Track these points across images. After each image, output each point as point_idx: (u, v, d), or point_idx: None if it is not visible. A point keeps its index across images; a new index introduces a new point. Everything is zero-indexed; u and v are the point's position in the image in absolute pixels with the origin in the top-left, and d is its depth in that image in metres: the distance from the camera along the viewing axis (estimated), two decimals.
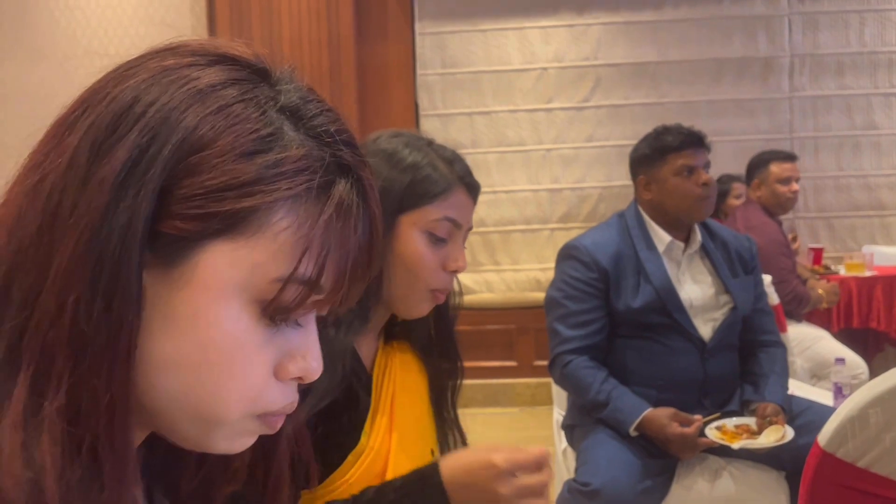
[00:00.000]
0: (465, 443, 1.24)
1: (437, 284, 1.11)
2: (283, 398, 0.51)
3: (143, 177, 0.45)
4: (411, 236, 1.09)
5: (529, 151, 4.64)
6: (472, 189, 1.14)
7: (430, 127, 4.50)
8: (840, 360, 2.53)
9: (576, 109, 4.64)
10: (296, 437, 0.62)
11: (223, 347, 0.47)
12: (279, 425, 0.53)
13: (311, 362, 0.51)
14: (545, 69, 4.61)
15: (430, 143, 1.15)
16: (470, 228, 1.15)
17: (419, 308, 1.13)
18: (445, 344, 1.22)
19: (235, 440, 0.52)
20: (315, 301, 0.50)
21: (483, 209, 4.58)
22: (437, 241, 1.09)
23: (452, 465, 1.02)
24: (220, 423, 0.49)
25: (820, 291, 3.48)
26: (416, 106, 4.59)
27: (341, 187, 0.50)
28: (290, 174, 0.47)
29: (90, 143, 0.46)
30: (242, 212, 0.46)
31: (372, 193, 0.52)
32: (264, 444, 0.59)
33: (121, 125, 0.46)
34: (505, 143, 4.60)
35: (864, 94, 4.67)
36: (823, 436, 1.12)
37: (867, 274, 3.96)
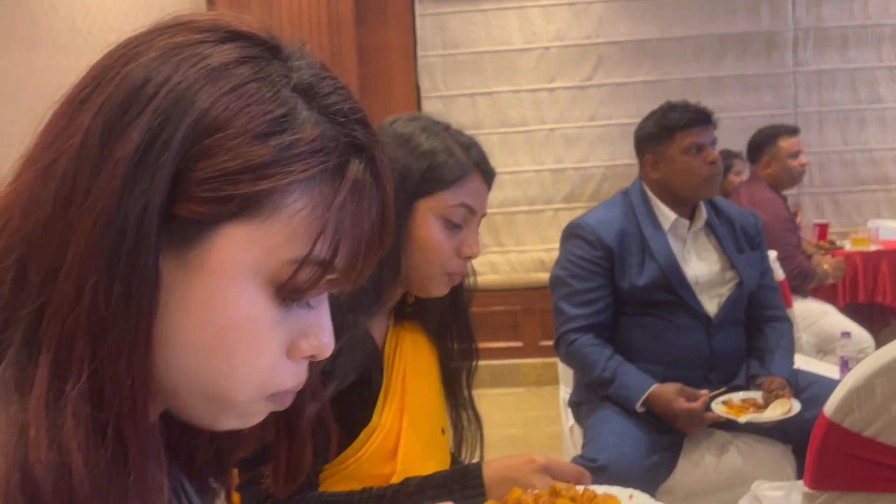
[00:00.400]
0: (479, 423, 1.25)
1: (452, 269, 1.12)
2: (294, 377, 0.52)
3: (158, 160, 0.45)
4: (427, 222, 1.09)
5: (532, 132, 4.62)
6: (488, 175, 1.15)
7: (432, 109, 4.48)
8: (846, 334, 2.53)
9: (578, 88, 4.61)
10: (319, 413, 0.63)
11: (239, 329, 0.48)
12: (289, 402, 0.53)
13: (323, 340, 0.52)
14: (547, 48, 4.58)
15: (447, 127, 1.15)
16: (484, 214, 1.16)
17: (437, 290, 1.14)
18: (461, 327, 1.24)
19: (245, 419, 0.52)
20: (329, 281, 0.50)
21: None
22: (452, 226, 1.10)
23: (495, 461, 1.06)
24: (231, 404, 0.50)
25: (826, 267, 3.47)
26: (418, 88, 4.57)
27: (355, 168, 0.50)
28: (305, 156, 0.47)
29: (102, 124, 0.45)
30: (258, 194, 0.46)
31: (385, 173, 0.52)
32: (288, 421, 0.60)
33: (133, 106, 0.46)
34: (507, 123, 4.59)
35: (868, 67, 4.63)
36: (829, 406, 1.12)
37: (872, 248, 3.95)
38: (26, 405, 0.43)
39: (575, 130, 4.62)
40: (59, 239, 0.45)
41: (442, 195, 1.09)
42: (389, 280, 1.10)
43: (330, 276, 0.50)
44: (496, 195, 4.66)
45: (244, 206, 0.46)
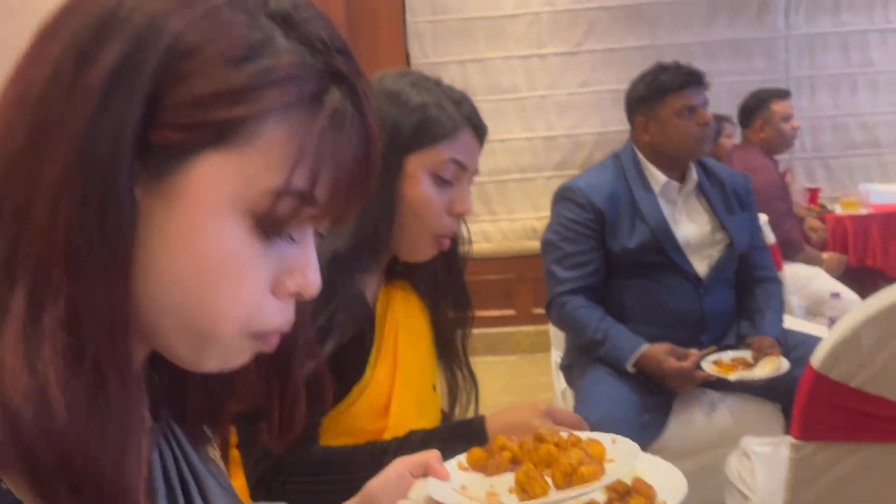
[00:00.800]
0: (474, 381, 1.26)
1: (442, 229, 1.11)
2: (279, 315, 0.51)
3: (131, 83, 0.44)
4: (418, 178, 1.08)
5: (523, 99, 4.59)
6: (480, 131, 1.13)
7: None
8: (835, 295, 2.55)
9: (569, 54, 4.58)
10: (316, 368, 0.63)
11: (218, 261, 0.47)
12: (275, 344, 0.53)
13: (308, 277, 0.51)
14: (537, 14, 4.54)
15: (437, 82, 1.14)
16: (475, 172, 1.14)
17: (423, 253, 1.13)
18: (456, 290, 1.23)
19: (229, 358, 0.52)
20: (311, 215, 0.49)
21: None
22: (443, 183, 1.09)
23: (498, 413, 1.08)
24: (215, 340, 0.49)
25: (825, 257, 3.46)
26: (407, 55, 4.53)
27: (335, 96, 0.49)
28: (282, 82, 0.47)
29: (75, 50, 0.45)
30: (233, 121, 0.46)
31: (368, 105, 0.51)
32: (282, 375, 0.60)
33: (105, 30, 0.45)
34: (498, 90, 4.56)
35: (860, 31, 4.61)
36: (817, 358, 1.13)
37: (863, 212, 3.96)
38: (4, 334, 0.43)
39: (566, 97, 4.60)
40: (34, 166, 0.44)
41: (433, 150, 1.08)
42: (384, 238, 1.09)
43: (310, 210, 0.49)
44: (487, 163, 4.63)
45: (220, 134, 0.46)
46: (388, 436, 1.11)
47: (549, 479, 0.82)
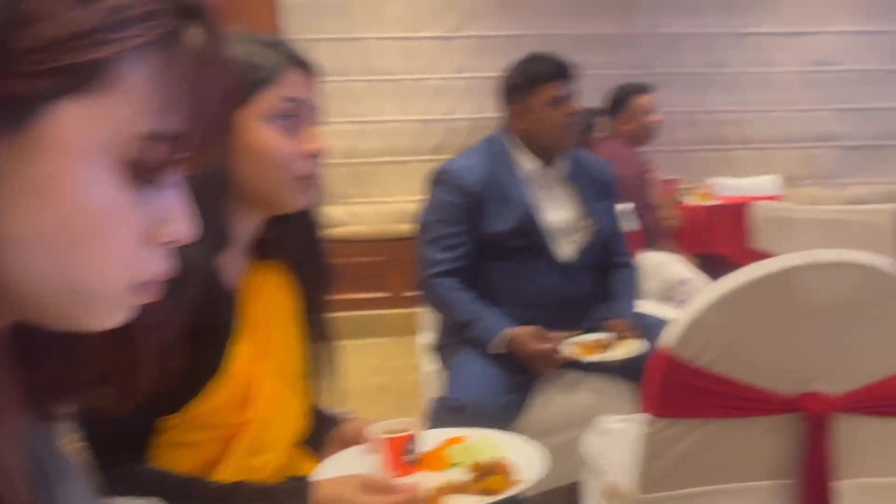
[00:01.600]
0: (334, 353, 1.23)
1: (301, 171, 1.07)
2: (159, 264, 0.50)
3: None
4: (257, 129, 1.05)
5: (399, 81, 4.58)
6: (305, 66, 1.10)
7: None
8: (684, 281, 2.71)
9: (446, 39, 4.60)
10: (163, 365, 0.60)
11: (88, 215, 0.45)
12: (157, 293, 0.52)
13: (182, 224, 0.50)
14: None
15: (248, 33, 1.10)
16: (315, 108, 1.10)
17: (293, 199, 1.09)
18: (313, 252, 1.20)
19: (115, 313, 0.50)
20: (181, 158, 0.48)
21: (352, 140, 4.50)
22: (285, 126, 1.06)
23: (326, 483, 1.05)
24: (95, 298, 0.47)
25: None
26: (279, 30, 4.40)
27: (193, 34, 0.47)
28: (136, 21, 0.44)
29: None
30: (88, 65, 0.43)
31: (224, 43, 0.50)
32: (123, 341, 0.57)
33: None
34: (374, 71, 4.51)
35: (720, 33, 4.93)
36: (666, 339, 1.20)
37: (713, 203, 4.26)
38: None
39: (442, 81, 4.62)
40: None
41: (261, 97, 1.05)
42: (225, 207, 1.05)
43: (181, 153, 0.47)
44: (361, 144, 4.59)
45: (76, 79, 0.43)
46: (252, 430, 1.08)
47: None
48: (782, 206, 3.61)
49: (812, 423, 1.19)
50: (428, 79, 4.60)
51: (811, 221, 2.91)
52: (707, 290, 1.17)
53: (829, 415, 1.19)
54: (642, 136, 3.68)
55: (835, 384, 1.19)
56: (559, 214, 2.14)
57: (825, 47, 5.14)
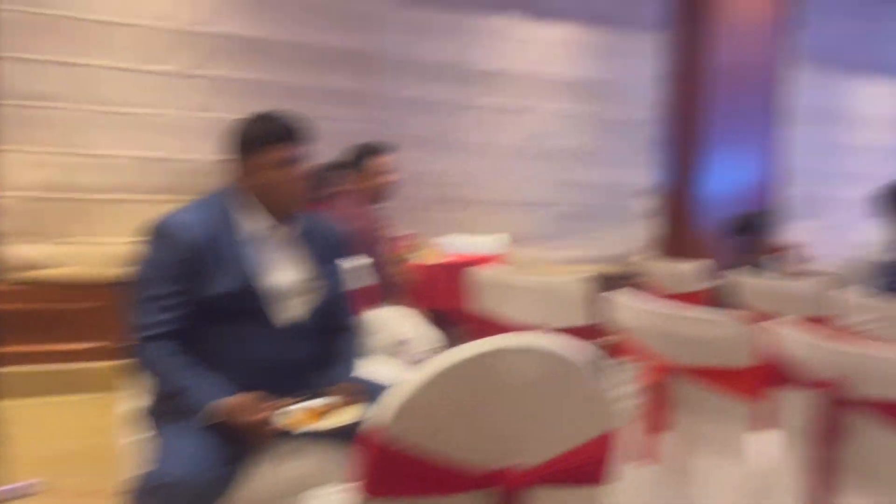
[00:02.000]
0: None
1: None
2: None
3: None
4: None
5: (122, 114, 4.26)
6: None
7: (9, 70, 3.86)
8: (405, 342, 2.81)
9: (183, 76, 4.39)
10: None
11: None
12: None
13: None
14: (153, 28, 4.28)
15: None
16: None
17: None
18: None
19: None
20: None
21: (58, 172, 4.08)
22: None
23: None
24: None
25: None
26: None
27: None
28: None
29: None
30: None
31: None
32: None
33: None
34: (93, 100, 4.15)
35: (453, 101, 5.30)
36: (377, 418, 1.22)
37: (438, 261, 4.52)
38: None
39: (173, 119, 4.39)
40: None
41: None
42: None
43: None
44: (70, 178, 4.17)
45: None
46: None
47: None
48: (493, 272, 3.89)
49: (505, 496, 1.27)
50: (157, 115, 4.34)
51: (517, 287, 3.19)
52: (418, 371, 1.21)
53: (519, 488, 1.28)
54: (379, 194, 3.82)
55: (526, 459, 1.29)
56: (286, 276, 2.10)
57: (539, 123, 5.78)
